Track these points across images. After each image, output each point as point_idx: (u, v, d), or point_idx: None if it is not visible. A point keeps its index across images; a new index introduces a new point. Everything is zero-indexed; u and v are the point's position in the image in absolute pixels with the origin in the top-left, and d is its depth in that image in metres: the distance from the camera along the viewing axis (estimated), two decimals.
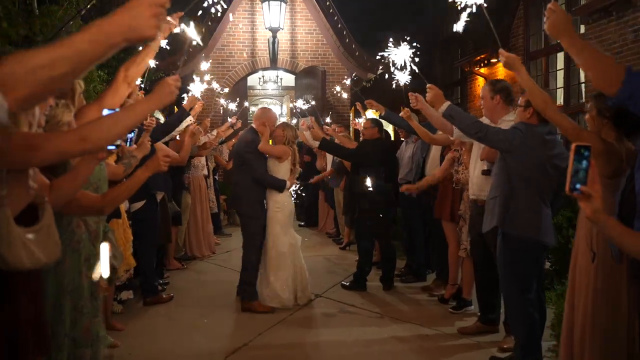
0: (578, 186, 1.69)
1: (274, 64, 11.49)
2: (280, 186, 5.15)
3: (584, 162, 1.69)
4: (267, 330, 4.49)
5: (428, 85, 3.66)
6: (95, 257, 2.68)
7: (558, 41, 2.13)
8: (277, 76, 13.36)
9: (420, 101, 4.25)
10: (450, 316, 4.83)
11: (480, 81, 11.75)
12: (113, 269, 3.00)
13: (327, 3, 11.41)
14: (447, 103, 3.54)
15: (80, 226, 2.62)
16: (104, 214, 2.63)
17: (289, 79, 12.86)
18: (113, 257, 2.93)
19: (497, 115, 3.94)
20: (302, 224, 10.18)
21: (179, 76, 1.90)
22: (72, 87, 2.64)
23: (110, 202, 2.44)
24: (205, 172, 7.59)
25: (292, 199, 5.45)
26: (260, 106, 5.60)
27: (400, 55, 3.87)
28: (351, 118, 11.80)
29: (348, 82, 10.29)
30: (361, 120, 7.47)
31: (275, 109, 17.20)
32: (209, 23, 11.02)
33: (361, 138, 7.71)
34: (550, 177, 3.34)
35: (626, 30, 7.14)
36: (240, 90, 11.56)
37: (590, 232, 2.90)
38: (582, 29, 8.30)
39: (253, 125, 5.37)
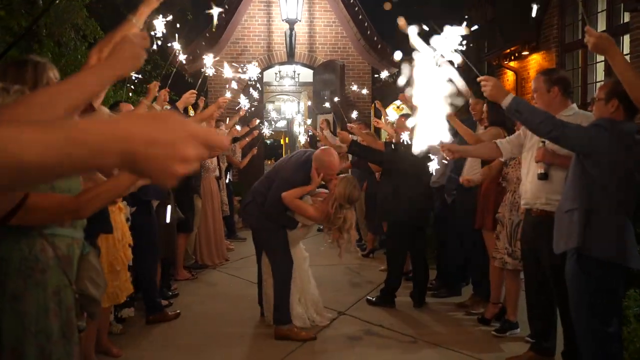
0: None
1: (291, 58, 10.91)
2: (289, 225, 4.39)
3: None
4: (287, 357, 3.92)
5: (483, 77, 3.03)
6: (67, 288, 2.11)
7: None
8: (294, 71, 12.78)
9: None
10: (493, 340, 4.22)
11: (509, 75, 11.07)
12: (94, 301, 2.42)
13: None
14: (511, 95, 2.92)
15: (46, 250, 2.04)
16: (80, 217, 2.08)
17: (306, 75, 12.28)
18: (93, 285, 2.36)
19: (555, 110, 3.32)
20: (321, 227, 9.47)
21: (146, 34, 1.40)
22: (37, 77, 2.10)
23: (86, 203, 1.92)
24: (217, 173, 7.03)
25: None
26: (322, 147, 4.64)
27: (447, 42, 3.18)
28: (371, 115, 11.19)
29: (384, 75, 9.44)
30: (391, 118, 6.89)
31: (292, 106, 16.66)
32: (223, 15, 10.47)
33: (387, 138, 7.10)
34: (637, 186, 2.71)
35: None
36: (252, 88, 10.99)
37: None
38: (627, 17, 7.62)
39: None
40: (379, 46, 10.88)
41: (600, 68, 8.71)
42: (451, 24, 3.23)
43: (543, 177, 3.36)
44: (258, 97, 9.68)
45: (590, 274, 2.79)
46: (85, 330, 3.56)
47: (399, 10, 12.42)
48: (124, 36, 1.48)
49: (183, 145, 0.75)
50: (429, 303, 5.14)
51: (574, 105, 3.52)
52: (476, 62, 13.18)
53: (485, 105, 4.71)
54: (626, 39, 7.70)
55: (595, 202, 2.74)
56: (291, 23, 10.50)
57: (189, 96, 4.59)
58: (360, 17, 10.78)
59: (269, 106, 16.69)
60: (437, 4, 12.76)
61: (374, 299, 5.15)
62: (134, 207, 4.15)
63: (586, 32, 2.46)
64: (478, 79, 3.05)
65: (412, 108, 4.88)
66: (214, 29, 9.37)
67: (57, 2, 7.55)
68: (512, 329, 4.27)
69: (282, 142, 21.24)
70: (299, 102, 15.65)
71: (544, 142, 3.31)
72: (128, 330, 4.38)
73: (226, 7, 10.17)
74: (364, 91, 9.89)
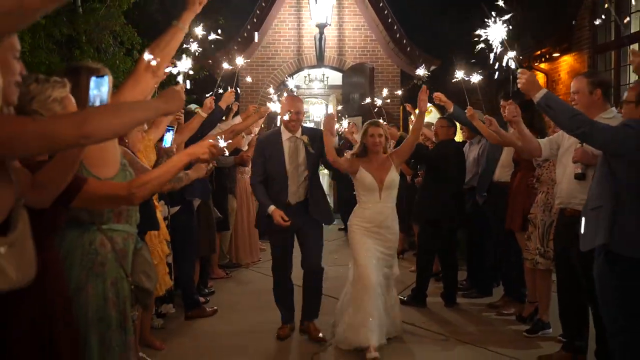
0: None
1: (320, 61, 11.06)
2: (262, 208, 4.34)
3: None
4: (321, 352, 4.05)
5: (519, 70, 3.09)
6: (123, 280, 2.27)
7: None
8: (324, 75, 12.92)
9: (495, 124, 4.31)
10: (525, 340, 4.26)
11: (540, 77, 11.00)
12: (147, 292, 2.58)
13: None
14: (544, 90, 2.97)
15: (105, 244, 2.21)
16: (133, 203, 2.22)
17: (335, 78, 12.40)
18: (147, 278, 2.52)
19: (596, 112, 3.38)
20: (343, 227, 9.37)
21: (183, 86, 2.02)
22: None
23: (138, 189, 2.08)
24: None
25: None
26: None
27: (495, 33, 3.20)
28: (400, 118, 11.24)
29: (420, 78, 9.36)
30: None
31: (320, 109, 16.79)
32: (254, 20, 10.67)
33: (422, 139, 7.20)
34: None
35: None
36: (282, 90, 11.16)
37: None
38: None
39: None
40: (408, 49, 10.94)
41: (632, 69, 8.62)
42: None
43: (580, 177, 3.42)
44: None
45: (618, 271, 2.83)
46: (135, 321, 3.76)
47: (420, 12, 12.46)
48: (171, 87, 1.83)
49: None
50: (460, 303, 5.21)
51: (614, 108, 3.56)
52: (507, 64, 13.11)
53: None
54: None
55: (621, 200, 2.79)
56: (321, 27, 10.64)
57: (230, 95, 4.76)
58: (389, 20, 10.87)
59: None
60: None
61: (405, 298, 5.23)
62: (177, 207, 4.33)
63: (631, 54, 2.52)
64: (518, 72, 3.10)
65: (446, 106, 4.97)
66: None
67: (97, 10, 7.84)
68: (544, 329, 4.31)
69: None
70: (327, 105, 15.79)
71: (582, 143, 3.36)
72: (167, 325, 4.56)
73: (257, 12, 10.37)
74: (398, 92, 9.91)
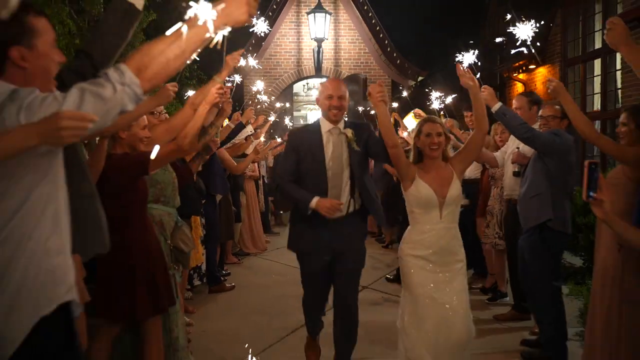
0: (591, 194, 2.17)
1: (318, 72, 12.09)
2: (302, 205, 3.46)
3: (595, 175, 2.18)
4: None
5: (483, 86, 4.07)
6: (165, 241, 3.30)
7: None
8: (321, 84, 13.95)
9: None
10: (486, 305, 5.28)
11: (518, 86, 12.06)
12: (184, 253, 3.60)
13: (370, 14, 11.93)
14: (499, 103, 3.94)
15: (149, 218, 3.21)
16: (185, 152, 3.14)
17: None
18: (184, 244, 3.54)
19: (531, 123, 4.40)
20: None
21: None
22: None
23: (182, 139, 2.98)
24: (257, 174, 8.25)
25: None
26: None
27: (523, 32, 3.72)
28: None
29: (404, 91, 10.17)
30: (409, 126, 7.89)
31: (317, 114, 17.84)
32: (259, 34, 11.69)
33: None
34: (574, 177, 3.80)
35: None
36: (286, 96, 12.19)
37: None
38: None
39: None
40: (398, 61, 12.00)
41: (597, 81, 9.68)
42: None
43: (517, 174, 4.44)
44: (288, 106, 10.85)
45: (549, 243, 3.84)
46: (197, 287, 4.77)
47: (412, 26, 13.48)
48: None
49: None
50: None
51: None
52: (490, 74, 14.20)
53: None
54: (617, 56, 8.67)
55: (555, 188, 3.81)
56: (319, 41, 11.68)
57: (250, 112, 5.69)
58: (381, 35, 11.92)
59: (296, 114, 17.90)
60: (453, 26, 13.75)
61: (391, 277, 6.24)
62: (204, 200, 5.33)
63: (548, 81, 3.37)
64: (482, 87, 4.10)
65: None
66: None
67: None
68: (502, 297, 5.34)
69: None
70: None
71: (518, 147, 4.38)
72: (195, 297, 5.55)
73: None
74: (394, 105, 10.92)
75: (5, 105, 1.51)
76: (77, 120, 1.43)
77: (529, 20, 3.69)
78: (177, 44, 1.60)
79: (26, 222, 1.57)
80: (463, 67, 3.21)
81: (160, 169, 3.40)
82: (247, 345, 4.11)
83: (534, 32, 3.68)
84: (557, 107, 3.91)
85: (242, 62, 4.20)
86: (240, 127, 5.55)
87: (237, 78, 5.26)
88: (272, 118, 6.01)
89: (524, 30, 3.72)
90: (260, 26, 4.50)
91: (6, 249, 1.55)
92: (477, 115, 3.25)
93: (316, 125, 3.56)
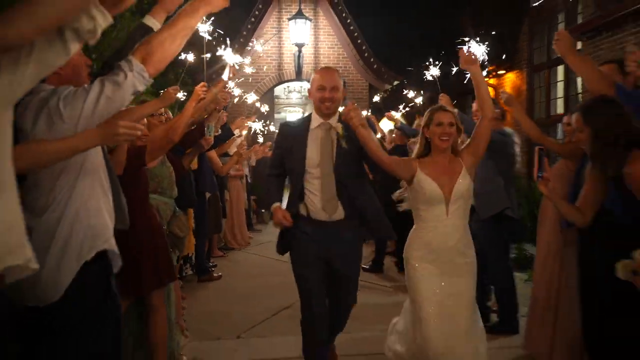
0: (540, 175, 2.72)
1: (299, 76, 12.57)
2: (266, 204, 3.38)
3: (542, 159, 2.73)
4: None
5: (441, 94, 4.60)
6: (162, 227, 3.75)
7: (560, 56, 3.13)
8: (301, 87, 14.44)
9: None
10: None
11: (490, 90, 12.67)
12: (179, 238, 4.05)
13: (348, 20, 12.46)
14: (455, 110, 4.45)
15: None
16: (174, 140, 3.39)
17: None
18: (179, 230, 3.99)
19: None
20: None
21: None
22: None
23: (172, 130, 3.33)
24: (242, 173, 8.69)
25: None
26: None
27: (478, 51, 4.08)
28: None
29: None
30: (385, 128, 8.36)
31: (298, 117, 18.34)
32: (241, 40, 12.13)
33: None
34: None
35: (616, 48, 8.04)
36: (267, 99, 12.65)
37: None
38: (579, 45, 9.21)
39: None
40: (375, 66, 12.54)
41: (561, 86, 10.33)
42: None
43: None
44: (268, 109, 11.29)
45: (504, 228, 4.37)
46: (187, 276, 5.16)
47: (387, 31, 14.06)
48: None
49: None
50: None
51: None
52: (462, 79, 14.81)
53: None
54: None
55: (506, 180, 4.33)
56: (299, 46, 12.16)
57: (242, 121, 6.07)
58: (359, 41, 12.45)
59: (276, 116, 18.39)
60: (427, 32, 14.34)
61: (367, 267, 6.74)
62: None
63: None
64: (440, 95, 4.63)
65: (396, 122, 6.52)
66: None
67: (109, 32, 9.17)
68: None
69: None
70: (303, 113, 17.36)
71: None
72: (186, 285, 5.96)
73: (244, 33, 11.83)
74: (376, 97, 11.45)
75: (50, 97, 1.97)
76: (129, 128, 1.96)
77: (498, 29, 4.27)
78: (171, 33, 2.00)
79: (77, 191, 2.06)
80: (468, 51, 2.93)
81: (159, 164, 3.84)
82: (237, 323, 4.57)
83: (501, 42, 4.22)
84: (497, 110, 4.46)
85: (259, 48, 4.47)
86: (229, 134, 5.92)
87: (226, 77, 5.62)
88: (253, 124, 6.42)
89: (479, 50, 4.27)
90: (257, 47, 4.94)
91: (56, 210, 2.01)
92: (481, 101, 3.00)
93: (305, 120, 3.28)
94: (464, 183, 2.97)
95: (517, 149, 4.48)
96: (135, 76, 2.01)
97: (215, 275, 6.36)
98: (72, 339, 2.04)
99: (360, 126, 2.83)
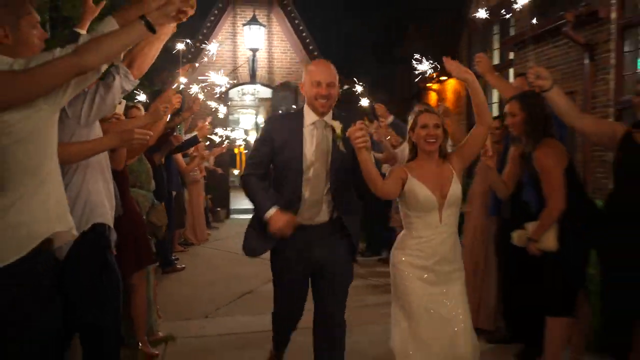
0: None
1: (253, 79, 13.06)
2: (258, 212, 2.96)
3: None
4: (265, 285, 6.10)
5: (376, 104, 5.25)
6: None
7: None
8: (255, 89, 14.95)
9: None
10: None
11: (432, 95, 13.57)
12: (157, 227, 4.55)
13: (301, 27, 13.04)
14: (392, 116, 5.11)
15: None
16: (150, 144, 3.81)
17: (265, 92, 14.47)
18: (157, 220, 4.49)
19: None
20: None
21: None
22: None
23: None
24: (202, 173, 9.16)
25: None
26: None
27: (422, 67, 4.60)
28: None
29: None
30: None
31: (251, 118, 18.80)
32: (197, 44, 12.51)
33: None
34: None
35: (541, 59, 8.96)
36: (220, 101, 13.07)
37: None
38: (512, 55, 10.14)
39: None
40: None
41: (495, 92, 11.26)
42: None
43: None
44: (225, 111, 11.74)
45: None
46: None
47: (340, 38, 14.74)
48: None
49: None
50: (359, 260, 7.38)
51: None
52: (409, 85, 15.69)
53: None
54: (511, 71, 10.25)
55: None
56: (254, 50, 12.67)
57: (205, 128, 6.48)
58: (310, 47, 13.06)
59: (230, 117, 18.78)
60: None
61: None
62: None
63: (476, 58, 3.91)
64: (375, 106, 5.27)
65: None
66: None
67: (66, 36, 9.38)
68: None
69: (235, 151, 23.14)
70: (256, 115, 17.88)
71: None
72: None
73: (200, 37, 12.23)
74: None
75: None
76: (142, 134, 2.58)
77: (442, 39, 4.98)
78: (149, 40, 2.53)
79: (84, 176, 2.64)
80: (452, 60, 2.84)
81: (137, 161, 4.34)
82: (203, 306, 5.09)
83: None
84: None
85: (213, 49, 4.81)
86: (194, 140, 6.35)
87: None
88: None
89: (423, 66, 5.01)
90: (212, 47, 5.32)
91: (73, 189, 2.60)
92: (478, 109, 2.82)
93: (298, 115, 2.96)
94: (456, 188, 2.83)
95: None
96: (122, 78, 2.59)
97: (178, 267, 6.83)
98: (73, 305, 2.51)
99: (364, 149, 2.61)
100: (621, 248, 2.89)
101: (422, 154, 2.89)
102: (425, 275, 2.77)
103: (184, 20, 2.25)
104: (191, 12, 2.21)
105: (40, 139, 2.03)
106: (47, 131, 2.06)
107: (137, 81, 2.69)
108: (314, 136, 2.90)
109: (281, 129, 2.96)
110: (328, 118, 2.91)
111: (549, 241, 3.16)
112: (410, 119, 2.91)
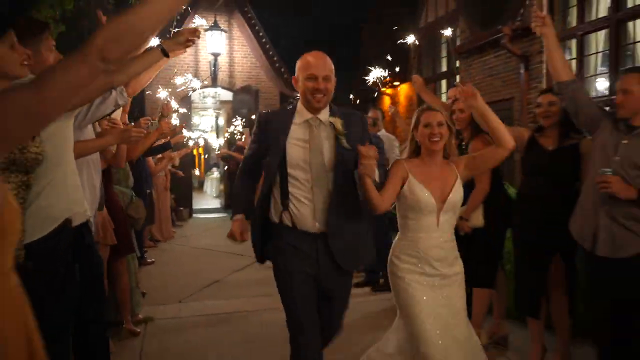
0: None
1: (214, 82, 13.50)
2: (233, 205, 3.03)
3: None
4: (240, 270, 6.62)
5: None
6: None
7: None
8: (216, 92, 15.35)
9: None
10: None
11: (386, 99, 14.30)
12: (135, 220, 5.00)
13: (260, 33, 13.57)
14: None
15: None
16: (132, 157, 4.55)
17: (225, 95, 14.90)
18: (136, 213, 4.94)
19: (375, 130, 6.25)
20: None
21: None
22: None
23: (133, 151, 4.46)
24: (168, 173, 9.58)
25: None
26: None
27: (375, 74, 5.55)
28: None
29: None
30: None
31: (211, 120, 19.15)
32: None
33: None
34: None
35: (484, 68, 9.76)
36: (184, 104, 13.44)
37: None
38: (458, 63, 10.93)
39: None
40: (285, 75, 13.74)
41: (444, 97, 12.05)
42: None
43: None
44: (188, 113, 12.15)
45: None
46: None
47: (298, 43, 15.32)
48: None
49: None
50: None
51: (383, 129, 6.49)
52: (364, 89, 16.38)
53: None
54: (458, 77, 11.05)
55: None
56: (215, 55, 13.11)
57: (181, 136, 6.91)
58: (270, 52, 13.60)
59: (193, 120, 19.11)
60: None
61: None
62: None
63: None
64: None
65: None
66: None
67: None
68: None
69: (194, 152, 23.42)
70: (217, 117, 18.28)
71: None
72: None
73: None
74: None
75: None
76: (137, 132, 3.06)
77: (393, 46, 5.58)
78: (145, 68, 2.66)
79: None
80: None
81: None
82: (177, 293, 5.58)
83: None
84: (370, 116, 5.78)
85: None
86: (167, 146, 6.73)
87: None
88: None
89: (376, 73, 5.73)
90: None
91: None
92: (494, 132, 2.70)
93: (289, 112, 2.77)
94: (458, 192, 2.75)
95: (397, 152, 5.81)
96: (118, 94, 3.07)
97: (148, 260, 7.25)
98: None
99: (368, 176, 2.51)
100: (526, 223, 3.59)
101: (425, 153, 2.79)
102: (425, 281, 2.69)
103: (191, 46, 2.76)
104: (197, 40, 2.75)
105: (62, 136, 2.54)
106: (67, 130, 2.57)
107: (129, 98, 3.16)
108: (306, 136, 2.67)
109: (269, 126, 2.76)
110: (323, 115, 2.69)
111: (477, 219, 3.80)
112: (413, 118, 2.82)
